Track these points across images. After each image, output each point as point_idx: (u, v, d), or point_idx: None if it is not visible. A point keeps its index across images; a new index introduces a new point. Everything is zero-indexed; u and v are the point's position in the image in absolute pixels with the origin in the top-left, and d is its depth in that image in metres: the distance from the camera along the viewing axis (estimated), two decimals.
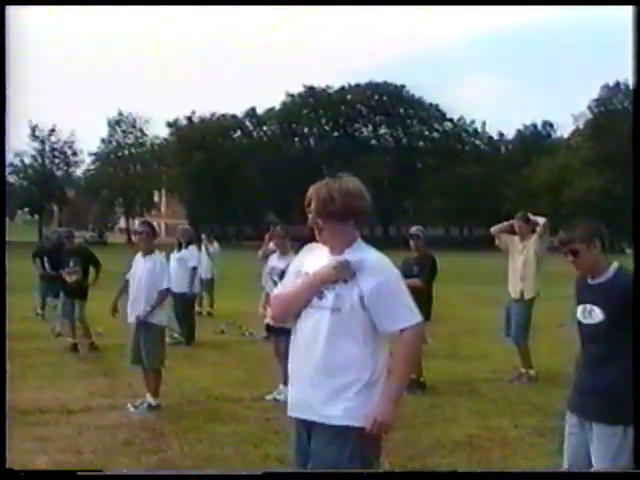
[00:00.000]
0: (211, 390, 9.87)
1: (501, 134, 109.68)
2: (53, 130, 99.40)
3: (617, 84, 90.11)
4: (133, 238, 75.22)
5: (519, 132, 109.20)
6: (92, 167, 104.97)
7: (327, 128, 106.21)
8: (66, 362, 12.00)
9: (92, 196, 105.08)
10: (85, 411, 8.75)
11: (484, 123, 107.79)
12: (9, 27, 4.56)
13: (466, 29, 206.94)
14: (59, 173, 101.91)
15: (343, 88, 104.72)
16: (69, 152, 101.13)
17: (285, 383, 8.51)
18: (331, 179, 4.00)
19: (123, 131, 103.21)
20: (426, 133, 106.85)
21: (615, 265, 4.53)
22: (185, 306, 13.80)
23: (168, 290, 9.32)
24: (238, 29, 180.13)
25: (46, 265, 16.79)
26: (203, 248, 18.02)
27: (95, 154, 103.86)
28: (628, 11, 4.78)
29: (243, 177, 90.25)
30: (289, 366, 4.10)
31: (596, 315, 4.48)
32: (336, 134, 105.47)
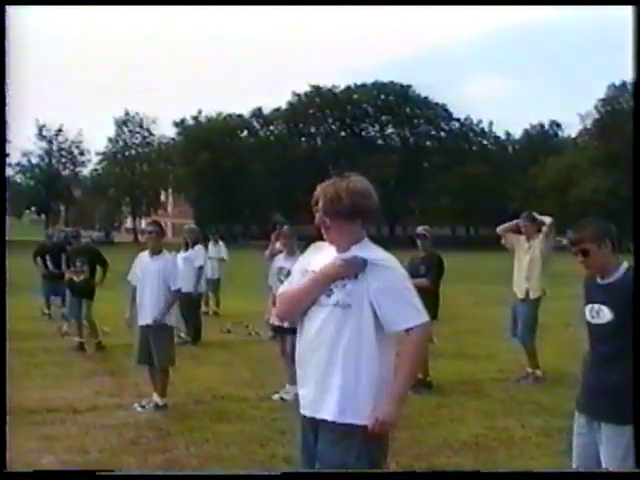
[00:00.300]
0: (217, 390, 9.87)
1: (508, 134, 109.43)
2: (60, 130, 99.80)
3: (624, 84, 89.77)
4: (140, 238, 75.48)
5: (526, 132, 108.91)
6: (99, 167, 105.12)
7: (334, 128, 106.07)
8: (72, 361, 12.01)
9: (99, 195, 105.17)
10: (91, 410, 8.76)
11: (491, 123, 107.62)
12: (9, 27, 4.56)
13: (473, 28, 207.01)
14: (66, 173, 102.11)
15: (349, 88, 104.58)
16: (76, 152, 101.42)
17: (291, 383, 8.53)
18: (339, 178, 3.99)
19: (130, 131, 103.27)
20: (433, 133, 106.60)
21: (625, 265, 4.51)
22: (191, 306, 13.80)
23: (179, 290, 9.33)
24: (245, 29, 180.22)
25: (49, 264, 16.81)
26: (210, 248, 18.03)
27: (102, 154, 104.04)
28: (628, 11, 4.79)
29: (250, 177, 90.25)
30: (297, 365, 4.09)
31: (604, 315, 4.46)
32: (343, 134, 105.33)
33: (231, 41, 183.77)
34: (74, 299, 13.32)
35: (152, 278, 9.00)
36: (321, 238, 4.11)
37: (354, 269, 3.86)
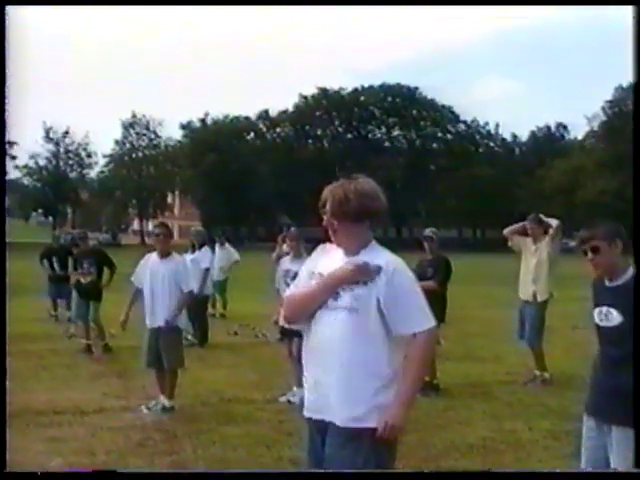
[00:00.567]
0: (224, 392, 9.87)
1: (514, 136, 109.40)
2: (67, 132, 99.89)
3: (631, 85, 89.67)
4: (147, 240, 75.50)
5: (532, 134, 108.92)
6: (106, 169, 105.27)
7: (340, 130, 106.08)
8: (80, 363, 12.02)
9: (106, 198, 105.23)
10: (99, 412, 8.76)
11: (497, 125, 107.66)
12: (9, 27, 4.56)
13: (479, 30, 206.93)
14: (73, 175, 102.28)
15: (356, 90, 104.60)
16: (83, 154, 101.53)
17: (298, 385, 8.52)
18: (346, 180, 3.98)
19: (137, 133, 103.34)
20: (439, 135, 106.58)
21: (634, 267, 4.50)
22: (198, 308, 13.79)
23: (192, 292, 9.33)
24: (252, 31, 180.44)
25: (55, 266, 16.82)
26: (216, 250, 18.02)
27: (109, 156, 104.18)
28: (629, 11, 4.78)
29: (256, 179, 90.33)
30: (304, 368, 4.08)
31: (613, 318, 4.45)
32: (349, 136, 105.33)
33: (238, 43, 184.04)
34: (81, 301, 13.33)
35: (163, 281, 8.96)
36: (328, 240, 4.09)
37: (366, 276, 3.85)
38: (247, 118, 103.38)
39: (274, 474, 4.07)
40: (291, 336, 9.26)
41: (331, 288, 3.89)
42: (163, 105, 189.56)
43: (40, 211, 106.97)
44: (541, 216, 10.83)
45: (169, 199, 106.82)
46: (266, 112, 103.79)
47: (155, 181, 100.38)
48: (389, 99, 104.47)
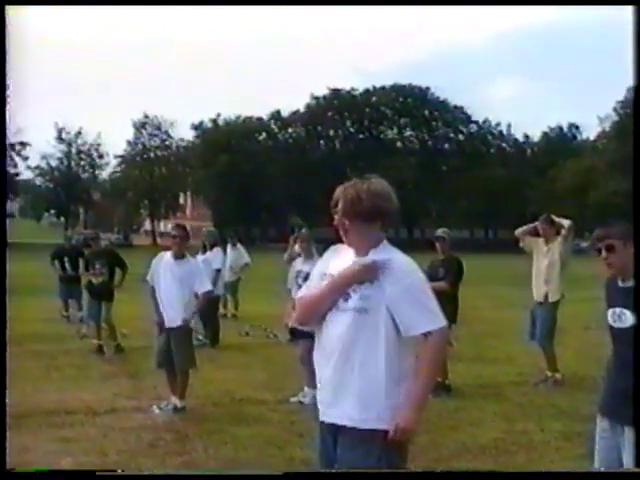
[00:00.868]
0: (236, 392, 9.87)
1: (526, 136, 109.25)
2: (79, 133, 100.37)
3: (635, 87, 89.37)
4: (159, 240, 75.54)
5: (544, 134, 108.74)
6: (118, 169, 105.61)
7: (352, 130, 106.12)
8: (91, 364, 12.03)
9: (117, 198, 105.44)
10: (110, 413, 8.76)
11: (509, 125, 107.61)
12: (9, 27, 4.56)
13: (491, 30, 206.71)
14: (85, 175, 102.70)
15: (368, 90, 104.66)
16: (95, 154, 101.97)
17: (309, 386, 8.52)
18: (359, 180, 3.96)
19: (149, 134, 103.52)
20: (451, 135, 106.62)
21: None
22: (209, 308, 13.78)
23: (210, 292, 9.35)
24: (263, 31, 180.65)
25: (66, 266, 16.85)
26: (228, 251, 18.03)
27: (121, 156, 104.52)
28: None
29: (268, 179, 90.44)
30: (316, 369, 4.07)
31: (627, 319, 4.42)
32: (361, 136, 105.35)
33: (249, 44, 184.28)
34: (93, 301, 13.34)
35: (178, 282, 8.97)
36: (340, 241, 4.07)
37: (374, 274, 3.83)
38: (259, 119, 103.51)
39: (285, 475, 4.03)
40: (302, 337, 9.24)
41: (340, 288, 3.88)
42: (175, 106, 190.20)
43: (52, 212, 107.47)
44: (553, 217, 10.80)
45: (181, 200, 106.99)
46: (278, 112, 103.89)
47: (167, 182, 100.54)
48: (401, 99, 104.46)
